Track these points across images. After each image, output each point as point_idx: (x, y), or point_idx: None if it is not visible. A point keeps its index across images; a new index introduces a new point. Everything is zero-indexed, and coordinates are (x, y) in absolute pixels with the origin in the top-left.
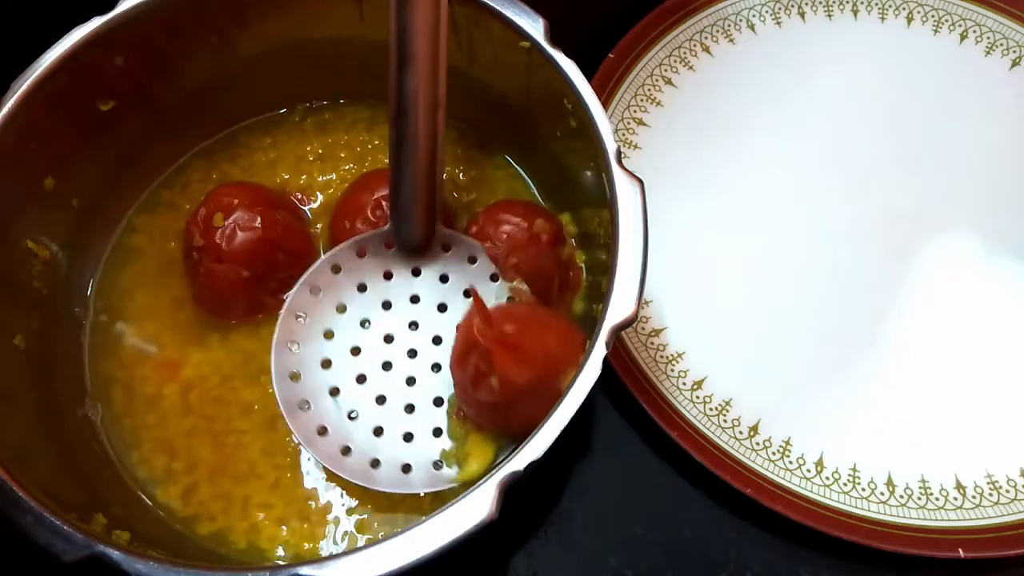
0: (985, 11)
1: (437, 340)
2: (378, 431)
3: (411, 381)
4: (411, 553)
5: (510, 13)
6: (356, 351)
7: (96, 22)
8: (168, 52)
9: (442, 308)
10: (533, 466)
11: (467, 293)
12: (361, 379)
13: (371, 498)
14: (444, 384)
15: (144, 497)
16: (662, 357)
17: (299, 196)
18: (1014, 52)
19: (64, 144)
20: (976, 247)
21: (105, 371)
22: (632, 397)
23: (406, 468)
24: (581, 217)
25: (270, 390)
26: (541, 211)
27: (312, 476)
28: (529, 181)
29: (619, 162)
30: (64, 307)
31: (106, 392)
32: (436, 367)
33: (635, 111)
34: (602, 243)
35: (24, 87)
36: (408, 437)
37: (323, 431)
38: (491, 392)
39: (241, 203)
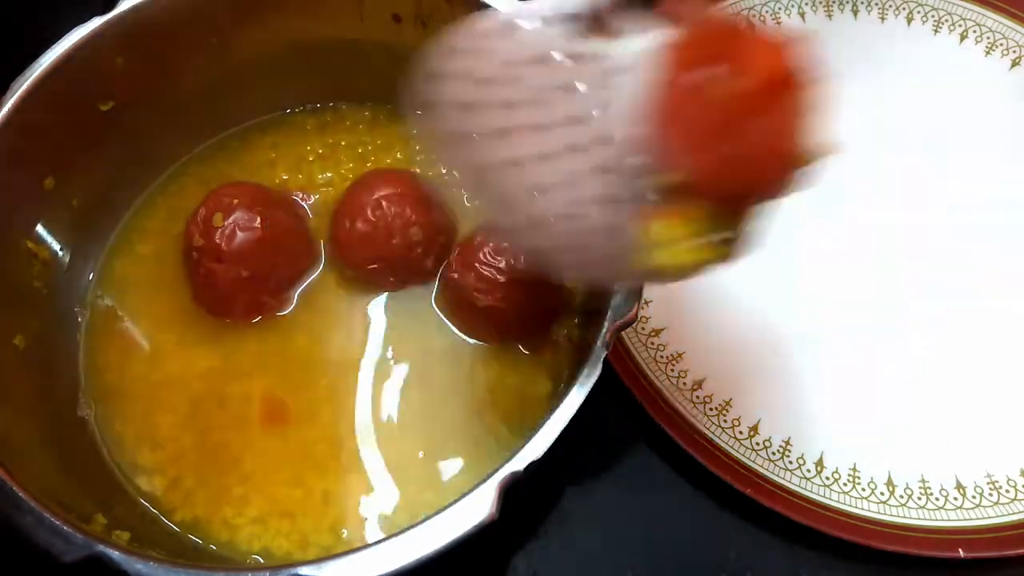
0: (985, 11)
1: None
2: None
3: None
4: (411, 553)
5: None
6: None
7: (96, 22)
8: (168, 52)
9: None
10: (533, 466)
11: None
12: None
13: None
14: None
15: (137, 496)
16: (662, 357)
17: (299, 195)
18: (1014, 52)
19: (64, 144)
20: (975, 247)
21: (101, 370)
22: (632, 397)
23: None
24: None
25: (267, 389)
26: None
27: (306, 473)
28: None
29: None
30: (64, 307)
31: (101, 391)
32: None
33: None
34: None
35: (24, 87)
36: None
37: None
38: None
39: (241, 203)
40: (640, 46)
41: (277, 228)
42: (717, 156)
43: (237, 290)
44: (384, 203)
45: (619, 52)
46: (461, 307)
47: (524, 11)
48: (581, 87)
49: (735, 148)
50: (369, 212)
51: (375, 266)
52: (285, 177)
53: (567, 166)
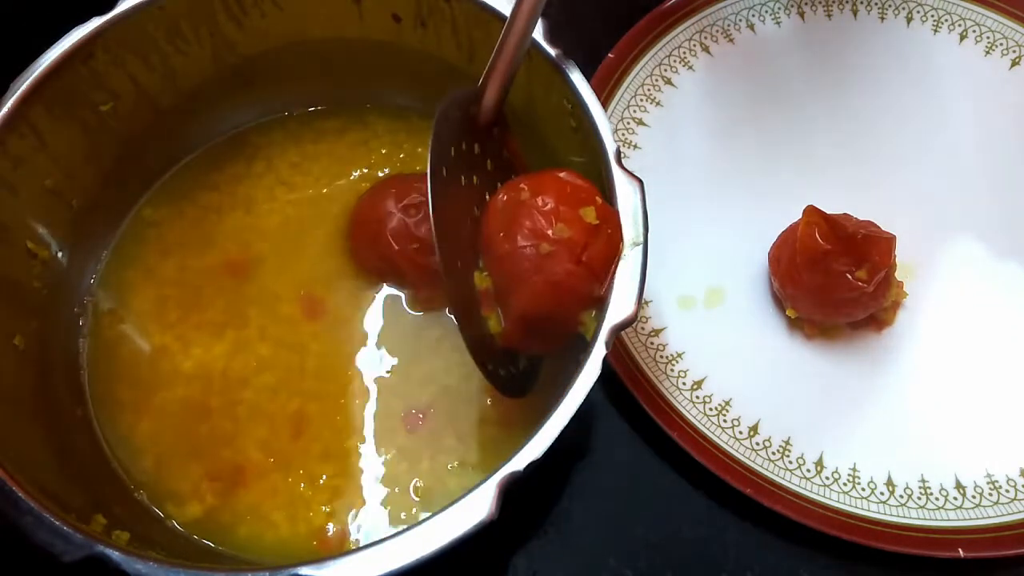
0: (985, 11)
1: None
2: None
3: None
4: (411, 553)
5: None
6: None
7: (96, 22)
8: (168, 52)
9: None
10: (533, 466)
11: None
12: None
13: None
14: None
15: (142, 498)
16: (662, 357)
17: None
18: (1014, 52)
19: (64, 144)
20: (975, 247)
21: (101, 370)
22: (632, 397)
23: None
24: None
25: (268, 388)
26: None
27: (310, 472)
28: None
29: (619, 162)
30: (64, 307)
31: (102, 391)
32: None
33: (635, 111)
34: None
35: (24, 87)
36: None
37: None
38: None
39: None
40: None
41: None
42: None
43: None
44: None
45: None
46: None
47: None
48: None
49: None
50: (398, 210)
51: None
52: (286, 179)
53: None
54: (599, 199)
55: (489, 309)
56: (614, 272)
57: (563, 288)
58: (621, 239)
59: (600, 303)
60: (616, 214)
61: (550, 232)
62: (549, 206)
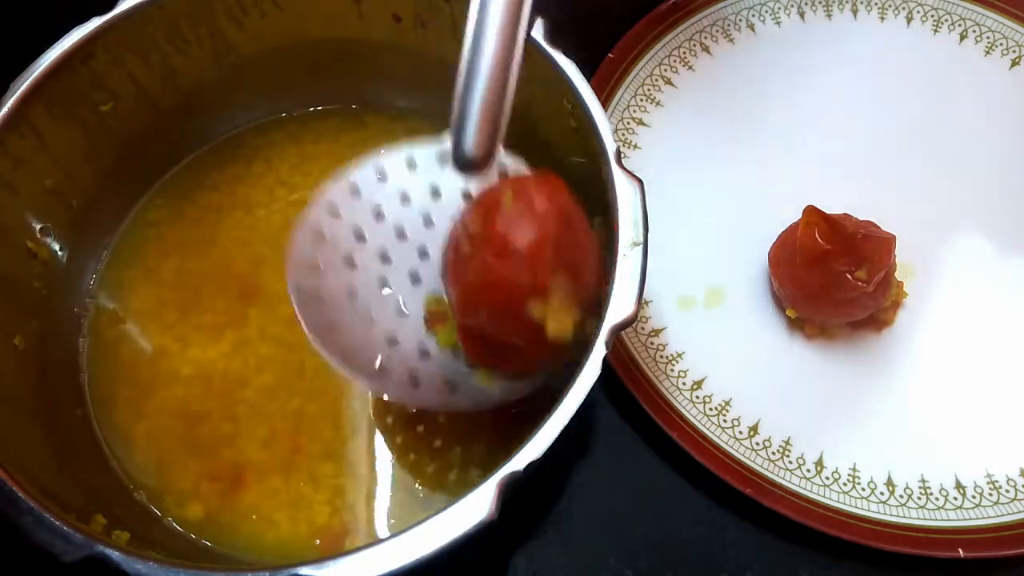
0: (985, 11)
1: None
2: (392, 340)
3: (438, 302)
4: (411, 553)
5: None
6: (385, 259)
7: (96, 22)
8: (168, 52)
9: None
10: (533, 466)
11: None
12: (383, 286)
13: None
14: None
15: (142, 498)
16: (662, 357)
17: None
18: (1014, 52)
19: (64, 144)
20: (975, 247)
21: (101, 370)
22: (632, 397)
23: (414, 382)
24: None
25: (268, 388)
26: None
27: (311, 472)
28: None
29: (619, 162)
30: (64, 307)
31: (102, 391)
32: None
33: (635, 111)
34: (602, 243)
35: (24, 87)
36: (424, 354)
37: (333, 327)
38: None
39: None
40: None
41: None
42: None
43: None
44: None
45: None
46: None
47: (390, 156)
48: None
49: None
50: None
51: None
52: (285, 180)
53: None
54: (530, 186)
55: (437, 324)
56: (551, 254)
57: (489, 283)
58: (554, 217)
59: (543, 290)
60: (551, 194)
61: (466, 231)
62: (471, 208)
